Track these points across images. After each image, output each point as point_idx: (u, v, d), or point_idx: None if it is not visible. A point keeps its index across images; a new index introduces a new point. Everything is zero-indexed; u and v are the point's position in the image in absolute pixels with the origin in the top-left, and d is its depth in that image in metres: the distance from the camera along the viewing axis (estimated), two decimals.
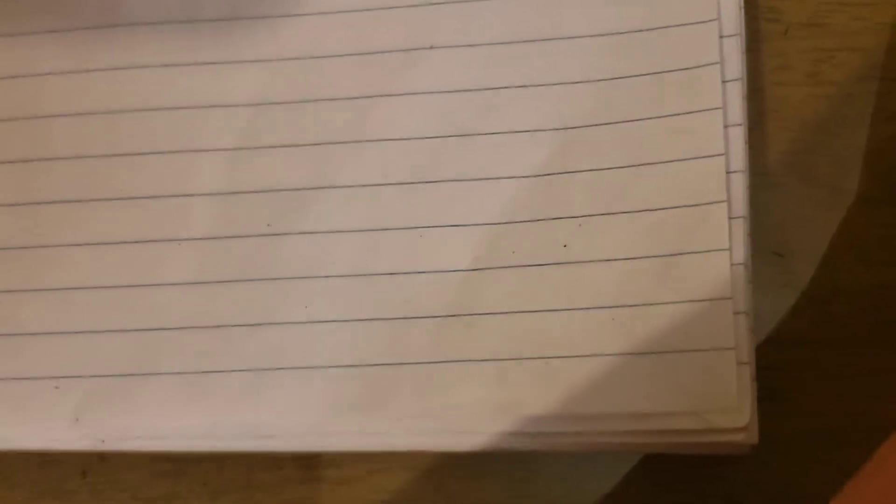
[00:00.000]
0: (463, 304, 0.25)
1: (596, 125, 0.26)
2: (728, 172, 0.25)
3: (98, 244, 0.27)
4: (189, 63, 0.27)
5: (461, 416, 0.25)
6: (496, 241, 0.25)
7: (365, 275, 0.26)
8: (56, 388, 0.26)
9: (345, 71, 0.27)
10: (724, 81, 0.25)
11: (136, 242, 0.27)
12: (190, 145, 0.27)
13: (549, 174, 0.26)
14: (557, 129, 0.26)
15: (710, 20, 0.25)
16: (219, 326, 0.26)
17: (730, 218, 0.24)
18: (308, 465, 0.26)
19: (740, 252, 0.24)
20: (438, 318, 0.25)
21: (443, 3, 0.26)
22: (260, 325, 0.26)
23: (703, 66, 0.25)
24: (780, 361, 0.25)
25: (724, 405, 0.24)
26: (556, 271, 0.25)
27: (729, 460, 0.25)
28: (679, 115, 0.25)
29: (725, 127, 0.25)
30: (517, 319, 0.25)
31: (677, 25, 0.26)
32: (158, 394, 0.26)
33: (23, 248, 0.27)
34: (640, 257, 0.25)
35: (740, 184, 0.25)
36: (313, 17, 0.27)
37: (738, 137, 0.25)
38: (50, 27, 0.28)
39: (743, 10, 0.26)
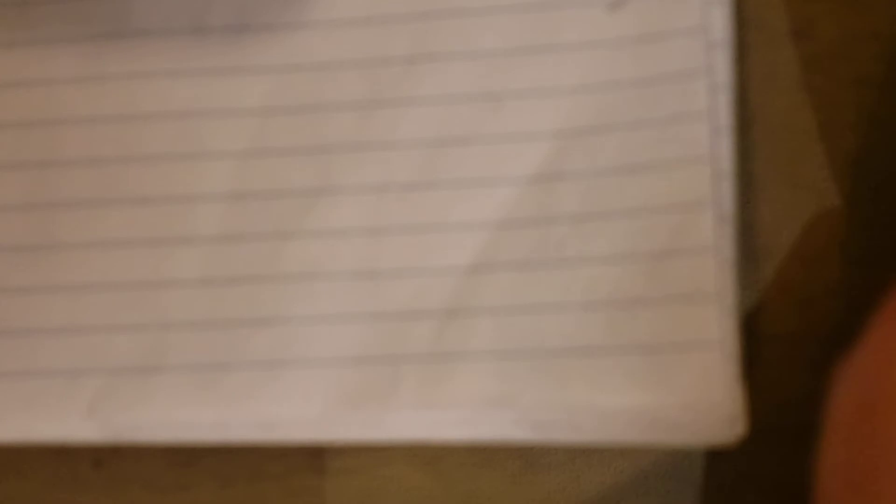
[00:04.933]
0: (462, 301, 0.26)
1: (588, 131, 0.26)
2: (715, 176, 0.25)
3: (111, 244, 0.27)
4: (198, 70, 0.28)
5: (461, 409, 0.25)
6: (494, 242, 0.26)
7: (369, 274, 0.26)
8: (70, 382, 0.27)
9: (349, 78, 0.27)
10: (711, 88, 0.26)
11: (148, 242, 0.27)
12: (200, 149, 0.27)
13: (544, 178, 0.26)
14: (552, 135, 0.26)
15: (698, 28, 0.26)
16: (228, 322, 0.27)
17: (717, 220, 0.25)
18: (314, 455, 0.27)
19: (727, 253, 0.25)
20: (439, 315, 0.26)
21: (444, 14, 0.27)
22: (268, 321, 0.26)
23: (691, 72, 0.26)
24: (769, 358, 0.26)
25: (712, 398, 0.24)
26: (550, 271, 0.26)
27: (721, 454, 0.25)
28: (667, 120, 0.26)
29: (713, 132, 0.25)
30: (514, 317, 0.26)
31: (665, 33, 0.26)
32: (170, 388, 0.26)
33: (37, 248, 0.28)
34: (631, 258, 0.25)
35: (727, 187, 0.25)
36: (319, 26, 0.27)
37: (726, 142, 0.25)
38: (64, 36, 0.28)
39: (731, 18, 0.26)
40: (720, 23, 0.26)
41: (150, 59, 0.28)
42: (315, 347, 0.26)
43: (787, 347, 0.26)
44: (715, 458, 0.25)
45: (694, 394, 0.25)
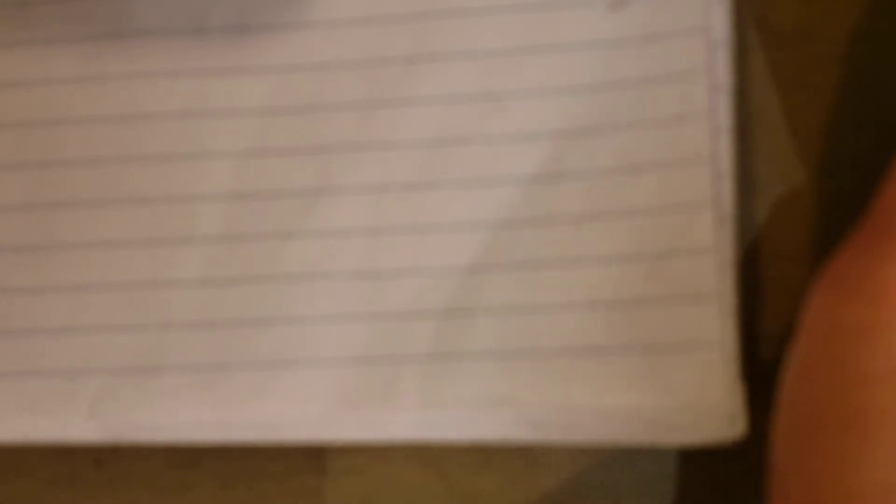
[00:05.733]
0: (462, 301, 0.26)
1: (589, 131, 0.26)
2: (715, 176, 0.25)
3: (111, 244, 0.27)
4: (198, 70, 0.28)
5: (462, 409, 0.26)
6: (494, 242, 0.26)
7: (369, 274, 0.26)
8: (71, 383, 0.27)
9: (349, 78, 0.27)
10: (712, 88, 0.26)
11: (148, 242, 0.27)
12: (200, 149, 0.27)
13: (544, 178, 0.26)
14: (553, 135, 0.26)
15: (699, 28, 0.26)
16: (228, 323, 0.27)
17: (717, 220, 0.25)
18: (315, 456, 0.27)
19: (727, 252, 0.25)
20: (439, 316, 0.26)
21: (444, 14, 0.27)
22: (268, 321, 0.26)
23: (692, 72, 0.26)
24: (769, 358, 0.26)
25: (712, 398, 0.25)
26: (551, 271, 0.26)
27: (721, 454, 0.25)
28: (667, 120, 0.26)
29: (713, 132, 0.25)
30: (514, 317, 0.26)
31: (666, 33, 0.26)
32: (170, 388, 0.26)
33: (37, 248, 0.28)
34: (632, 258, 0.26)
35: (727, 187, 0.25)
36: (319, 26, 0.28)
37: (726, 142, 0.26)
38: (64, 36, 0.28)
39: (731, 18, 0.26)
40: (720, 23, 0.26)
41: (150, 59, 0.28)
42: (315, 347, 0.26)
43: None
44: (715, 457, 0.25)
45: (694, 393, 0.25)
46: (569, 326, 0.26)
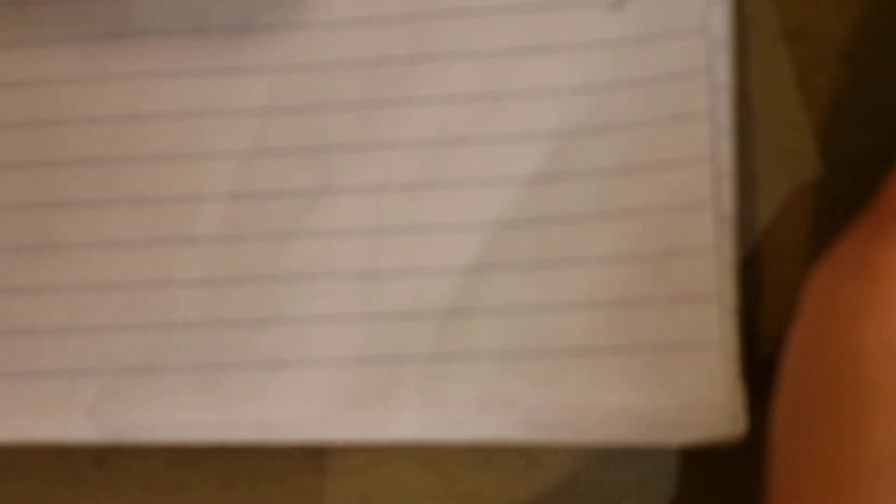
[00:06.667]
0: (463, 301, 0.26)
1: (589, 131, 0.26)
2: (715, 176, 0.25)
3: (111, 244, 0.28)
4: (199, 70, 0.28)
5: (462, 409, 0.26)
6: (495, 242, 0.26)
7: (369, 274, 0.26)
8: (71, 383, 0.27)
9: (349, 78, 0.27)
10: (712, 88, 0.26)
11: (148, 242, 0.27)
12: (201, 149, 0.28)
13: (544, 178, 0.26)
14: (553, 135, 0.26)
15: (699, 28, 0.26)
16: (229, 323, 0.27)
17: (717, 220, 0.25)
18: (315, 456, 0.27)
19: (727, 253, 0.25)
20: (440, 316, 0.26)
21: (444, 14, 0.27)
22: (268, 321, 0.27)
23: (692, 72, 0.26)
24: (769, 357, 0.26)
25: (712, 398, 0.25)
26: (551, 271, 0.26)
27: (722, 454, 0.25)
28: (668, 120, 0.26)
29: (713, 132, 0.26)
30: (515, 317, 0.26)
31: (666, 33, 0.26)
32: (170, 388, 0.27)
33: (38, 248, 0.28)
34: (632, 258, 0.26)
35: (727, 187, 0.25)
36: (319, 26, 0.28)
37: (726, 142, 0.26)
38: (64, 36, 0.28)
39: (731, 18, 0.26)
40: (720, 23, 0.26)
41: (151, 59, 0.28)
42: (316, 348, 0.26)
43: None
44: (715, 457, 0.25)
45: (694, 393, 0.25)
46: (569, 327, 0.26)
